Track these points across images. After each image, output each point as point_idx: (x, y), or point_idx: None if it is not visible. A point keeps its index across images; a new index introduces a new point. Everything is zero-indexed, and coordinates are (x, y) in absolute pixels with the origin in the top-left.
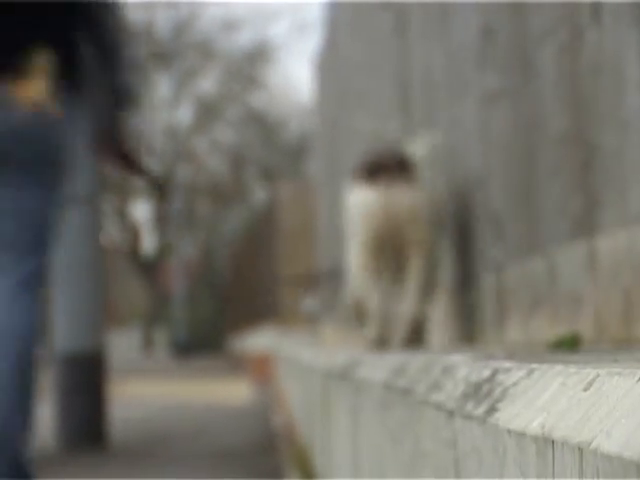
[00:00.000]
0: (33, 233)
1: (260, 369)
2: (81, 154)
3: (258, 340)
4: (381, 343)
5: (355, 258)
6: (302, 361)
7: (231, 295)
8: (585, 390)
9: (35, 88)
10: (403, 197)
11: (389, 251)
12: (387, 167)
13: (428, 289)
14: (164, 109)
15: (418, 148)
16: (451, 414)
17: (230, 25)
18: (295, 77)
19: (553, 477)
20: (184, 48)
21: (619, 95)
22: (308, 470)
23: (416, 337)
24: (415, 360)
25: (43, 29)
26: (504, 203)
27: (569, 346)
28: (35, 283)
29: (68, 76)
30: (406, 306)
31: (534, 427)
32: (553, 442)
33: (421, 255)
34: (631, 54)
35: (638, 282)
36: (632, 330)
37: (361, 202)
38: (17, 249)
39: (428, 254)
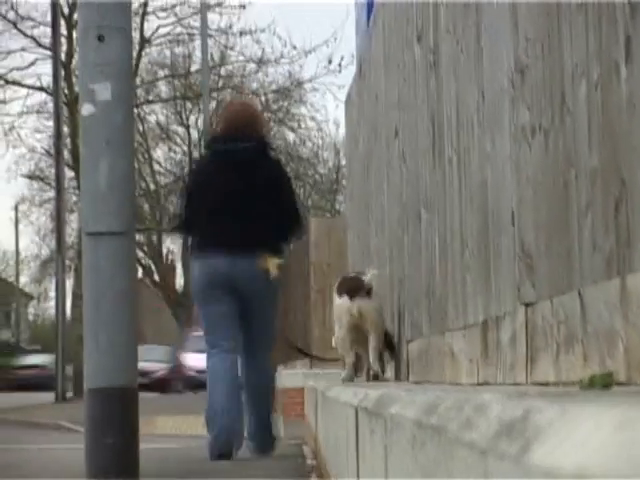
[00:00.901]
0: (269, 326)
1: (293, 405)
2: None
3: (291, 375)
4: (350, 380)
5: (338, 334)
6: (333, 397)
7: None
8: (619, 430)
9: (269, 260)
10: (361, 304)
11: (355, 332)
12: (353, 286)
13: (380, 352)
14: (198, 144)
15: (369, 277)
16: (484, 453)
17: (263, 62)
18: (329, 112)
19: None
20: (217, 84)
21: None
22: None
23: (375, 378)
24: (447, 398)
25: (272, 233)
26: (536, 239)
27: (602, 386)
28: (270, 349)
29: (278, 250)
30: (369, 361)
31: (567, 467)
32: None
33: (374, 334)
34: None
35: None
36: None
37: (338, 306)
38: (264, 335)
39: (378, 333)
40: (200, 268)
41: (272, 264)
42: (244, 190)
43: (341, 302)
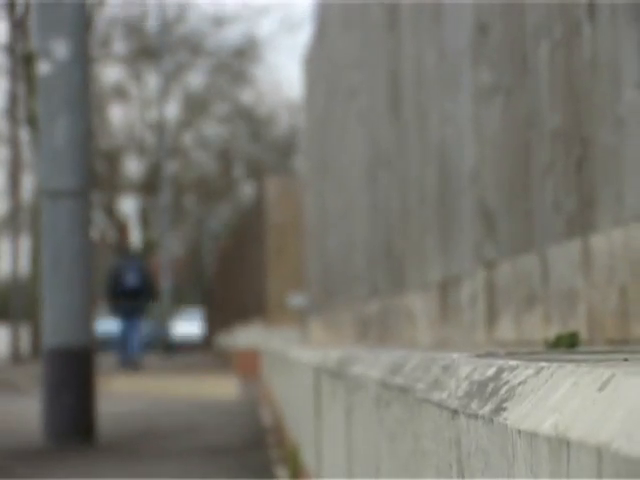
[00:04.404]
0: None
1: (249, 365)
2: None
3: (246, 336)
4: None
5: None
6: (292, 357)
7: (218, 291)
8: (600, 390)
9: None
10: None
11: None
12: None
13: None
14: (153, 104)
15: None
16: (454, 413)
17: (220, 21)
18: (285, 73)
19: (568, 478)
20: (174, 43)
21: (615, 91)
22: (298, 467)
23: None
24: (412, 358)
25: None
26: (497, 199)
27: (568, 345)
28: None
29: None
30: None
31: (547, 427)
32: (568, 443)
33: None
34: (628, 50)
35: (634, 280)
36: (627, 329)
37: None
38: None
39: None
40: None
41: None
42: None
43: None
